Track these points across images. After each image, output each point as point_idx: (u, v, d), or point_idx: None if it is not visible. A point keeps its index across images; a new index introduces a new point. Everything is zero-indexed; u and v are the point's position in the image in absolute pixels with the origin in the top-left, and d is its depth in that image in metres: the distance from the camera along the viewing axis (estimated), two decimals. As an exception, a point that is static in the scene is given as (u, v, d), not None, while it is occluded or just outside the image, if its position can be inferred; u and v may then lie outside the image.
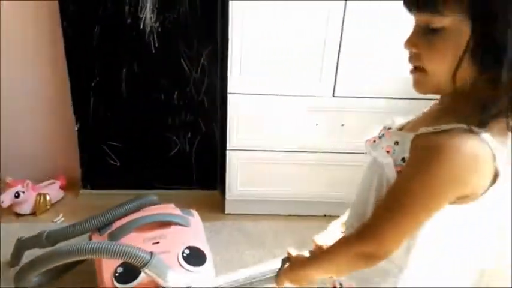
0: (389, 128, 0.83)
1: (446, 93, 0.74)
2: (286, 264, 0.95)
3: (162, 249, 1.42)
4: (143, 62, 2.16)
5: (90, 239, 1.57)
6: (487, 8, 0.64)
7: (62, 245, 1.54)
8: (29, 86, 2.28)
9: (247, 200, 2.23)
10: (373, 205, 0.78)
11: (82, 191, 2.38)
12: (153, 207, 1.64)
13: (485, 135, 0.66)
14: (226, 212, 2.26)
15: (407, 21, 0.78)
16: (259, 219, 2.21)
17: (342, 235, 0.90)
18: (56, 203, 2.31)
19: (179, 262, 1.41)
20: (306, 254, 0.94)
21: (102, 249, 1.26)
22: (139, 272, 1.32)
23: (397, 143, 0.75)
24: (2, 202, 2.11)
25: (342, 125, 2.05)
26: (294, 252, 0.95)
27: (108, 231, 1.52)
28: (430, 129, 0.70)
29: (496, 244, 0.83)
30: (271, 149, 2.11)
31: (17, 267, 1.53)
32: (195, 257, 1.44)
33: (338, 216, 2.20)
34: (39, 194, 2.20)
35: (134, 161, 2.35)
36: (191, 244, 1.48)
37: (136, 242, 1.42)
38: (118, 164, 2.34)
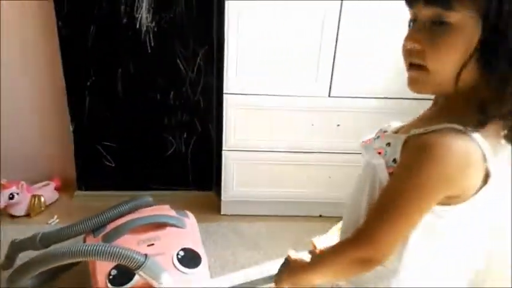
0: (385, 131, 0.83)
1: (444, 93, 0.73)
2: (286, 267, 0.94)
3: (156, 251, 1.41)
4: (139, 62, 2.15)
5: (84, 241, 1.56)
6: (500, 6, 0.63)
7: (56, 247, 1.53)
8: (24, 86, 2.27)
9: (243, 201, 2.22)
10: (366, 208, 0.77)
11: (77, 192, 2.37)
12: (148, 208, 1.63)
13: (476, 135, 0.66)
14: (222, 213, 2.26)
15: (402, 22, 0.78)
16: (255, 220, 2.20)
17: (337, 240, 0.89)
18: (50, 204, 2.30)
19: (174, 264, 1.40)
20: (305, 257, 0.93)
21: (96, 251, 1.25)
22: (134, 274, 1.32)
23: (388, 144, 0.75)
24: (-4, 203, 2.09)
25: (338, 125, 2.05)
26: (293, 255, 0.94)
27: (103, 233, 1.51)
28: (421, 130, 0.70)
29: (488, 245, 0.83)
30: (268, 150, 2.10)
31: (11, 270, 1.51)
32: (189, 258, 1.44)
33: (334, 217, 2.21)
34: (34, 196, 2.19)
35: (130, 161, 2.34)
36: (186, 246, 1.47)
37: (131, 243, 1.41)
38: (113, 165, 2.32)
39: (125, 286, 1.34)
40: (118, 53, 2.12)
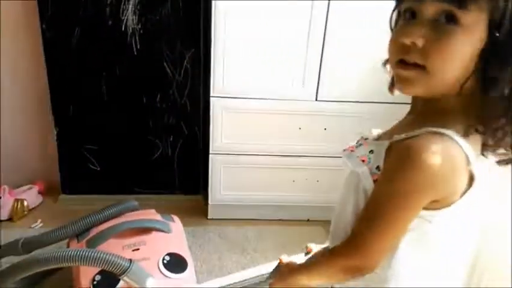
0: (366, 138, 0.82)
1: (435, 96, 0.70)
2: (278, 270, 0.94)
3: (141, 256, 1.39)
4: (125, 65, 2.13)
5: (68, 246, 1.54)
6: (505, 10, 0.62)
7: (38, 252, 1.50)
8: (7, 88, 2.23)
9: (230, 205, 2.21)
10: (352, 216, 0.77)
11: (61, 196, 2.33)
12: (133, 213, 1.60)
13: (458, 138, 0.66)
14: (209, 217, 2.24)
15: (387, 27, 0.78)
16: (242, 224, 2.19)
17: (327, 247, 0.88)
18: (34, 208, 2.26)
19: (159, 269, 1.38)
20: (298, 260, 0.92)
21: (80, 256, 1.23)
22: (118, 280, 1.30)
23: (371, 151, 0.74)
24: (-22, 208, 2.05)
25: (325, 129, 2.05)
26: (285, 259, 0.94)
27: (87, 238, 1.48)
28: (403, 135, 0.69)
29: (477, 246, 0.83)
30: (255, 153, 2.09)
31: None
32: (175, 263, 1.42)
33: (321, 221, 2.20)
34: (17, 200, 2.15)
35: (115, 165, 2.31)
36: (172, 251, 1.45)
37: (116, 248, 1.39)
38: (98, 169, 2.30)
39: (110, 292, 1.32)
40: (103, 56, 2.10)
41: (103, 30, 2.05)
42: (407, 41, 0.66)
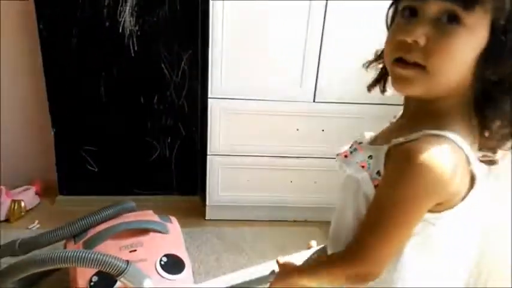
0: (360, 142, 0.82)
1: (435, 96, 0.69)
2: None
3: (139, 257, 1.39)
4: (122, 66, 2.12)
5: (65, 247, 1.53)
6: (511, 12, 0.61)
7: (36, 253, 1.50)
8: (4, 89, 2.23)
9: (227, 206, 2.21)
10: (353, 221, 0.76)
11: (58, 197, 2.33)
12: (131, 214, 1.60)
13: (458, 139, 0.66)
14: (206, 218, 2.24)
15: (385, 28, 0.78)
16: (240, 225, 2.19)
17: (329, 254, 0.87)
18: (31, 209, 2.25)
19: (157, 270, 1.39)
20: (294, 261, 0.92)
21: (77, 257, 1.23)
22: (115, 281, 1.29)
23: (370, 157, 0.73)
24: (-25, 209, 2.05)
25: (323, 130, 2.05)
26: (282, 259, 0.93)
27: (84, 239, 1.48)
28: (401, 139, 0.68)
29: (480, 246, 0.83)
30: (252, 154, 2.09)
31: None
32: (173, 265, 1.42)
33: (319, 222, 2.20)
34: (14, 201, 2.14)
35: (112, 166, 2.31)
36: (169, 252, 1.45)
37: (113, 250, 1.39)
38: (96, 170, 2.29)
39: (107, 293, 1.32)
40: (101, 57, 2.10)
41: (100, 31, 2.05)
42: (409, 39, 0.65)
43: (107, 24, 2.04)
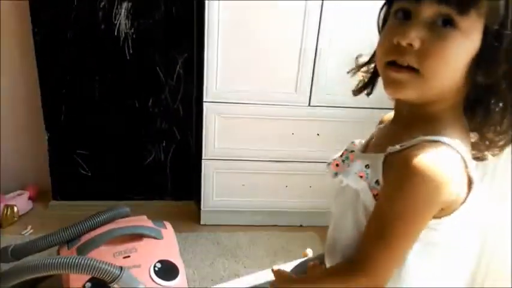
0: (351, 151, 0.81)
1: (428, 100, 0.69)
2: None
3: (132, 264, 1.38)
4: (117, 69, 2.11)
5: (58, 253, 1.52)
6: (505, 17, 0.62)
7: (28, 259, 1.48)
8: (-3, 93, 2.21)
9: (223, 211, 2.20)
10: (351, 233, 0.75)
11: (52, 202, 2.30)
12: (125, 219, 1.59)
13: (454, 143, 0.65)
14: (201, 223, 2.22)
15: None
16: (235, 230, 2.17)
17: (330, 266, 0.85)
18: (24, 214, 2.22)
19: (150, 276, 1.37)
20: (288, 268, 0.91)
21: (70, 263, 1.22)
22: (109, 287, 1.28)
23: (367, 166, 0.72)
24: (-33, 214, 2.03)
25: (318, 134, 2.05)
26: (276, 267, 0.92)
27: (77, 245, 1.46)
28: (397, 147, 0.68)
29: (480, 246, 0.83)
30: (248, 159, 2.08)
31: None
32: (167, 271, 1.41)
33: (314, 227, 2.19)
34: (7, 206, 2.12)
35: (107, 170, 2.29)
36: (163, 258, 1.44)
37: (106, 256, 1.37)
38: (90, 174, 2.27)
39: (100, 300, 1.30)
40: (95, 60, 2.08)
41: (95, 34, 2.03)
42: (403, 42, 0.64)
43: (102, 27, 2.03)
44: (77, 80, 2.11)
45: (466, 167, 0.67)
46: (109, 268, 1.21)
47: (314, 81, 1.96)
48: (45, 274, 1.29)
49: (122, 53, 2.08)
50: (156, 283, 1.37)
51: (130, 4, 2.01)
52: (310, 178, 2.13)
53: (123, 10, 2.02)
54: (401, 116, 0.77)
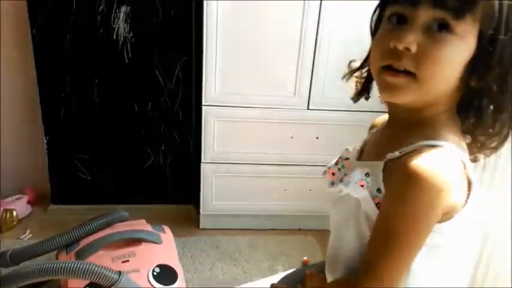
0: (346, 158, 0.80)
1: (424, 104, 0.69)
2: None
3: (131, 268, 1.37)
4: (116, 73, 2.11)
5: (56, 257, 1.51)
6: (500, 18, 0.62)
7: (27, 264, 1.47)
8: (-4, 97, 2.21)
9: (222, 215, 2.20)
10: (353, 242, 0.74)
11: (51, 206, 2.30)
12: (123, 223, 1.58)
13: (454, 148, 0.66)
14: (200, 227, 2.22)
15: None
16: (234, 234, 2.17)
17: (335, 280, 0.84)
18: (23, 218, 2.22)
19: (149, 281, 1.36)
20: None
21: (68, 268, 1.21)
22: (108, 292, 1.27)
23: (367, 174, 0.71)
24: (-35, 218, 2.02)
25: (317, 137, 2.05)
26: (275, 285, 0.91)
27: (76, 250, 1.46)
28: (397, 153, 0.68)
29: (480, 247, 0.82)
30: (247, 162, 2.08)
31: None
32: (165, 275, 1.40)
33: (314, 230, 2.18)
34: (6, 210, 2.12)
35: (106, 174, 2.28)
36: (162, 262, 1.43)
37: (105, 260, 1.37)
38: (89, 178, 2.27)
39: (98, 304, 1.30)
40: (94, 64, 2.09)
41: (94, 38, 2.04)
42: (400, 46, 0.64)
43: (101, 31, 2.03)
44: (76, 84, 2.11)
45: (465, 169, 0.67)
46: (107, 273, 1.21)
47: (313, 84, 1.96)
48: (43, 279, 1.28)
49: (120, 56, 2.08)
50: (155, 287, 1.36)
51: (129, 8, 2.01)
52: (310, 181, 2.13)
53: (121, 14, 2.02)
54: (396, 121, 0.77)
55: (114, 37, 2.04)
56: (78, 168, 2.24)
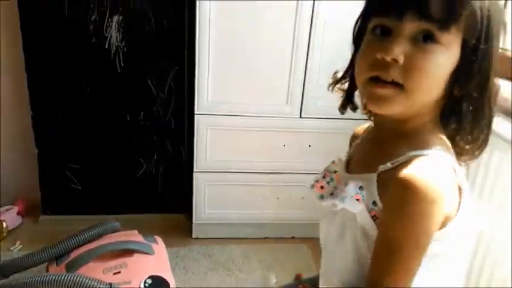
0: (334, 171, 0.80)
1: (411, 114, 0.69)
2: None
3: (123, 280, 1.36)
4: (108, 82, 2.11)
5: (47, 269, 1.49)
6: (484, 28, 0.64)
7: (16, 277, 1.46)
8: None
9: (215, 224, 2.18)
10: (350, 256, 0.73)
11: (42, 217, 2.27)
12: (115, 234, 1.57)
13: (444, 155, 0.66)
14: (193, 236, 2.20)
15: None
16: (227, 243, 2.16)
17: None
18: (13, 229, 2.18)
19: (141, 292, 1.35)
20: None
21: (58, 281, 1.21)
22: (98, 305, 1.26)
23: (361, 187, 0.70)
24: (-45, 230, 1.99)
25: (309, 145, 2.05)
26: None
27: (66, 261, 1.45)
28: (389, 165, 0.68)
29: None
30: (239, 171, 2.08)
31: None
32: (157, 286, 1.39)
33: (307, 238, 2.18)
34: (-5, 221, 2.09)
35: (97, 184, 2.26)
36: (154, 273, 1.42)
37: (96, 272, 1.36)
38: (80, 188, 2.25)
39: (89, 317, 1.28)
40: (86, 73, 2.08)
41: (86, 47, 2.03)
42: (388, 58, 0.64)
43: (93, 40, 2.02)
44: (68, 93, 2.10)
45: (456, 175, 0.67)
46: (98, 285, 1.20)
47: (305, 92, 1.96)
48: (33, 292, 1.27)
49: (113, 65, 2.07)
50: (147, 299, 1.35)
51: (121, 17, 2.01)
52: (302, 190, 2.11)
53: (114, 23, 2.01)
54: (383, 131, 0.77)
55: (107, 46, 2.04)
56: (69, 178, 2.22)
